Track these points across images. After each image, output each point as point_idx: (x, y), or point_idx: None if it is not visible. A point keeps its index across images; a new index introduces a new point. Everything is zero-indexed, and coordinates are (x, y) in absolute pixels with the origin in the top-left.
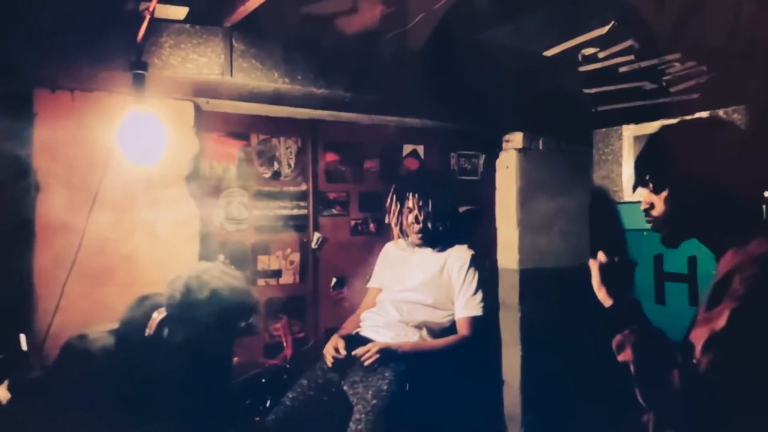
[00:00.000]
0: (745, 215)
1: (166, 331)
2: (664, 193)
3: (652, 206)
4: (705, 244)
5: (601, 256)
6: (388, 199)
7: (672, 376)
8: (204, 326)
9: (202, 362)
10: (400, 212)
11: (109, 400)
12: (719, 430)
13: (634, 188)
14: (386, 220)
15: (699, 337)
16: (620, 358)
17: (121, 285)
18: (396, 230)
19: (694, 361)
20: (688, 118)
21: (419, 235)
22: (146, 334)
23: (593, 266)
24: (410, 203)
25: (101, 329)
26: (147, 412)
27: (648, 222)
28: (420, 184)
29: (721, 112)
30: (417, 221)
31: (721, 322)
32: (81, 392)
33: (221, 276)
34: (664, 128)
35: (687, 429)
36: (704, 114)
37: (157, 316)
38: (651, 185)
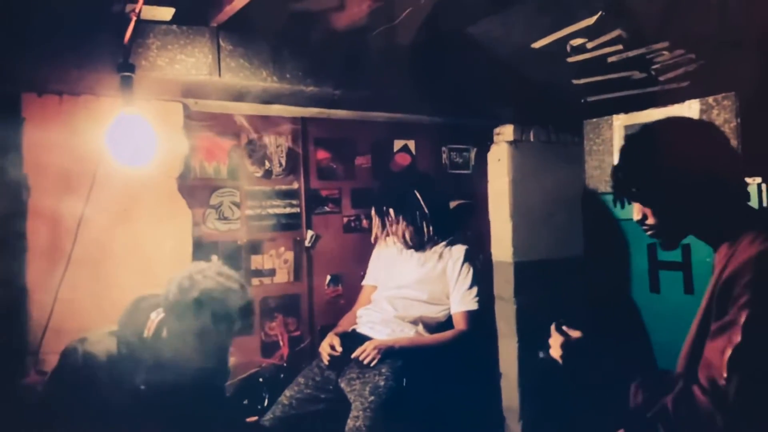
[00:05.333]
0: (731, 208)
1: (164, 332)
2: (651, 206)
3: (645, 216)
4: (701, 239)
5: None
6: (372, 216)
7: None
8: (201, 326)
9: (200, 361)
10: (384, 226)
11: (112, 401)
12: None
13: (615, 202)
14: (372, 239)
15: (716, 351)
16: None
17: (115, 287)
18: (386, 239)
19: (721, 380)
20: (649, 123)
21: (405, 245)
22: (145, 335)
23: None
24: (391, 218)
25: (101, 332)
26: (148, 413)
27: (645, 231)
28: (396, 198)
29: (710, 100)
30: (399, 234)
31: (737, 335)
32: (85, 395)
33: (215, 276)
34: (632, 138)
35: None
36: (689, 104)
37: (155, 317)
38: (636, 200)
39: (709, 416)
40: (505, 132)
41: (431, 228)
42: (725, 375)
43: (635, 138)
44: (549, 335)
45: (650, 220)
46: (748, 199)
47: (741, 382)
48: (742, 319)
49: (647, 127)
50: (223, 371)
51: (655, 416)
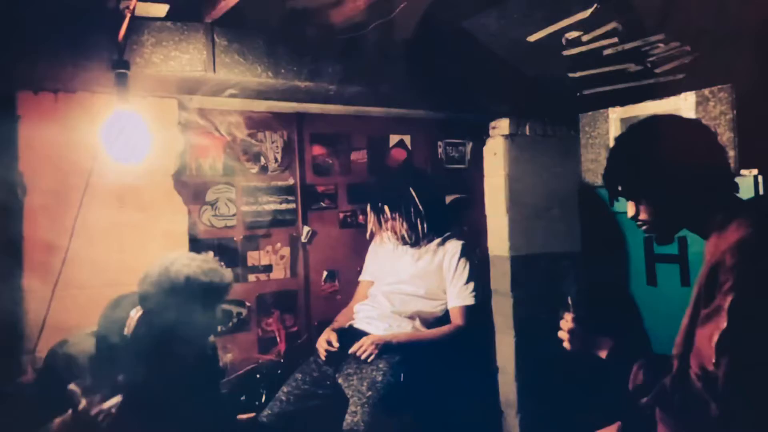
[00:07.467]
0: (720, 199)
1: (145, 329)
2: (643, 202)
3: (639, 212)
4: (694, 232)
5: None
6: (368, 212)
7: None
8: (181, 316)
9: (186, 353)
10: (379, 222)
11: (95, 400)
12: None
13: (611, 202)
14: (368, 235)
15: (705, 338)
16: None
17: (111, 284)
18: (382, 235)
19: (710, 366)
20: (636, 122)
21: (401, 241)
22: (125, 333)
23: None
24: (386, 215)
25: (81, 333)
26: (135, 408)
27: (639, 227)
28: (391, 194)
29: (706, 92)
30: (395, 231)
31: (723, 320)
32: (67, 396)
33: (189, 263)
34: (620, 138)
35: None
36: (685, 96)
37: (135, 314)
38: (628, 197)
39: (704, 402)
40: (501, 126)
41: (426, 224)
42: (713, 360)
43: (623, 137)
44: (546, 330)
45: (643, 216)
46: (737, 191)
47: (729, 366)
48: (727, 303)
49: (634, 126)
50: (212, 359)
51: (654, 397)
